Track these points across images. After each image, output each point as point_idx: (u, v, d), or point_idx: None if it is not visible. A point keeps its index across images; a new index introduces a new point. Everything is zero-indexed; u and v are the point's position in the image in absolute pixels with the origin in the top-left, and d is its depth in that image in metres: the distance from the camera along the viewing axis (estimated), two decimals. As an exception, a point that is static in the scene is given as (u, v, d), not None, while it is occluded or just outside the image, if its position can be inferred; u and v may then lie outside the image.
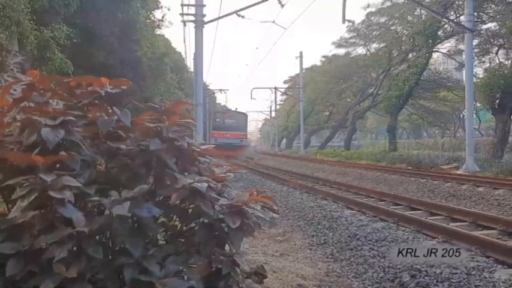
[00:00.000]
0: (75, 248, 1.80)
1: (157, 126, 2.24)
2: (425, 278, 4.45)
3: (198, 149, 2.42)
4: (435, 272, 4.55)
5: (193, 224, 2.31)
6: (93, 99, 2.19)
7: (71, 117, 2.03)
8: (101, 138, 2.18)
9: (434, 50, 26.41)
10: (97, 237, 1.99)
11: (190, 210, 2.25)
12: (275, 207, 2.46)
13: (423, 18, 24.83)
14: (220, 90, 49.05)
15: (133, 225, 1.98)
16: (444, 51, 30.10)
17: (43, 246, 1.80)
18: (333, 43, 41.84)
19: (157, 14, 29.20)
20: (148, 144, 2.13)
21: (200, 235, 2.16)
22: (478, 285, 4.16)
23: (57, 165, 1.92)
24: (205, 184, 2.08)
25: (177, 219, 2.33)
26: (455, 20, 21.95)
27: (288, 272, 4.59)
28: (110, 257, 1.96)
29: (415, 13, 26.79)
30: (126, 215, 1.84)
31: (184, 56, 41.11)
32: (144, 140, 2.18)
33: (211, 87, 52.60)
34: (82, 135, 2.08)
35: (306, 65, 48.52)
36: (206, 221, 2.16)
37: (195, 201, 2.09)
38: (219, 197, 2.17)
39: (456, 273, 4.47)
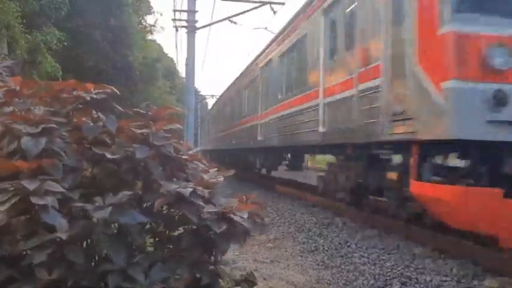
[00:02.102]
0: (57, 254, 1.76)
1: (143, 133, 2.20)
2: (416, 285, 4.44)
3: (185, 156, 2.39)
4: (425, 280, 4.55)
5: (181, 230, 2.27)
6: (77, 105, 2.15)
7: (53, 125, 1.99)
8: (86, 144, 2.14)
9: None
10: (83, 243, 1.95)
11: (177, 217, 2.22)
12: (262, 215, 2.42)
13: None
14: (212, 95, 49.02)
15: (117, 232, 1.94)
16: None
17: (24, 252, 1.76)
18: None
19: (150, 19, 29.19)
20: (133, 151, 2.09)
21: (186, 241, 2.13)
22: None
23: (41, 170, 1.88)
24: (190, 189, 2.04)
25: (164, 225, 2.29)
26: None
27: (279, 279, 4.55)
28: (94, 263, 1.92)
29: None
30: (108, 221, 1.80)
31: (176, 62, 40.94)
32: (130, 146, 2.14)
33: (203, 92, 52.59)
34: (66, 141, 2.03)
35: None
36: (194, 227, 2.12)
37: (180, 208, 2.06)
38: (205, 204, 2.13)
39: (446, 281, 4.48)
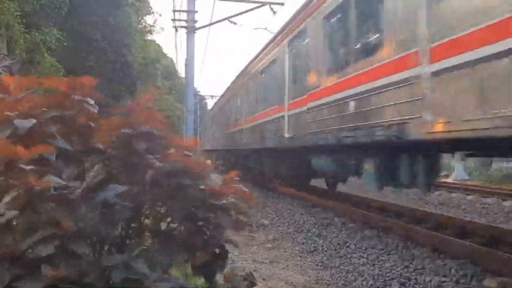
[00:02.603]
0: (61, 248, 1.77)
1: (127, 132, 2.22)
2: (415, 286, 4.45)
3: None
4: (425, 280, 4.55)
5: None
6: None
7: (43, 108, 2.03)
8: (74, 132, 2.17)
9: None
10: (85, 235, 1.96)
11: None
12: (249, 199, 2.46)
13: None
14: (212, 96, 49.04)
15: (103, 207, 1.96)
16: None
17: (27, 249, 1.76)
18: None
19: (149, 20, 29.19)
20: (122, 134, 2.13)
21: (185, 227, 2.17)
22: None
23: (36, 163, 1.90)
24: (180, 164, 2.09)
25: (164, 210, 2.30)
26: None
27: (278, 279, 4.55)
28: (97, 257, 1.94)
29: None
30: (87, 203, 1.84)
31: (175, 62, 40.89)
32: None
33: (202, 92, 52.58)
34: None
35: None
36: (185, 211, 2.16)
37: (176, 179, 2.09)
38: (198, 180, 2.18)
39: (445, 282, 4.48)
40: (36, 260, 1.68)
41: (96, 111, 2.24)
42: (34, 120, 1.94)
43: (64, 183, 1.82)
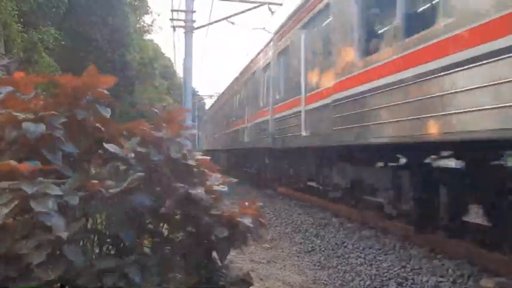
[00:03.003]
0: (56, 254, 1.76)
1: (159, 137, 2.20)
2: (412, 286, 4.46)
3: (193, 162, 2.38)
4: (422, 280, 4.55)
5: (181, 234, 2.28)
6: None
7: (52, 112, 2.00)
8: (83, 134, 2.15)
9: None
10: (80, 242, 1.95)
11: (179, 218, 2.23)
12: (264, 222, 2.44)
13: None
14: (210, 96, 48.98)
15: (128, 213, 1.96)
16: None
17: (22, 252, 1.75)
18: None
19: (147, 19, 29.16)
20: (147, 153, 2.10)
21: (187, 243, 2.14)
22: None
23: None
24: (200, 191, 2.06)
25: (166, 226, 2.29)
26: None
27: (275, 279, 4.55)
28: (91, 261, 1.92)
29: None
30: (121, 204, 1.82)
31: (173, 62, 40.83)
32: (144, 147, 2.14)
33: (201, 92, 52.54)
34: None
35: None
36: (193, 230, 2.13)
37: (187, 208, 2.07)
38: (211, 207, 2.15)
39: (442, 282, 4.49)
40: (30, 263, 1.67)
41: (108, 115, 2.19)
42: (44, 127, 1.91)
43: (61, 193, 1.79)
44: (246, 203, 2.40)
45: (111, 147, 2.08)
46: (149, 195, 2.03)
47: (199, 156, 2.48)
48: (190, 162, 2.31)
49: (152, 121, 2.35)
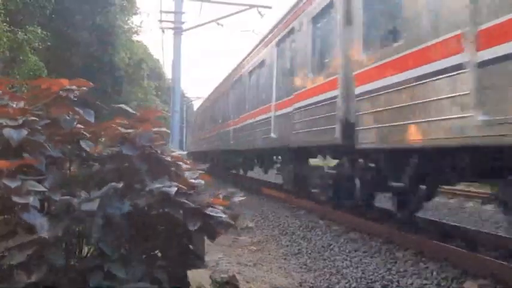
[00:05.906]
0: (37, 255, 1.74)
1: (129, 133, 2.20)
2: (397, 288, 4.49)
3: (169, 157, 2.39)
4: (407, 283, 4.60)
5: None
6: (53, 99, 2.14)
7: (33, 117, 1.98)
8: (65, 138, 2.13)
9: None
10: (62, 244, 1.93)
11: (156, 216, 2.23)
12: (233, 212, 2.45)
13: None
14: (199, 98, 48.85)
15: (106, 224, 1.94)
16: None
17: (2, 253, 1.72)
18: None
19: (136, 20, 28.96)
20: (119, 150, 2.08)
21: (163, 237, 2.14)
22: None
23: (23, 169, 1.86)
24: (174, 188, 2.06)
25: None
26: None
27: (262, 281, 4.55)
28: (73, 262, 1.91)
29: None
30: (96, 213, 1.80)
31: (162, 63, 40.62)
32: (115, 145, 2.14)
33: (189, 94, 52.39)
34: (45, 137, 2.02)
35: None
36: (169, 227, 2.14)
37: (163, 206, 2.07)
38: (187, 201, 2.15)
39: (427, 284, 4.54)
40: (11, 264, 1.65)
41: (92, 120, 2.18)
42: (25, 132, 1.90)
43: (44, 189, 1.78)
44: (220, 196, 2.41)
45: (85, 144, 2.09)
46: (124, 198, 2.02)
47: (175, 153, 2.50)
48: (165, 157, 2.32)
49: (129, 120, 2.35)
